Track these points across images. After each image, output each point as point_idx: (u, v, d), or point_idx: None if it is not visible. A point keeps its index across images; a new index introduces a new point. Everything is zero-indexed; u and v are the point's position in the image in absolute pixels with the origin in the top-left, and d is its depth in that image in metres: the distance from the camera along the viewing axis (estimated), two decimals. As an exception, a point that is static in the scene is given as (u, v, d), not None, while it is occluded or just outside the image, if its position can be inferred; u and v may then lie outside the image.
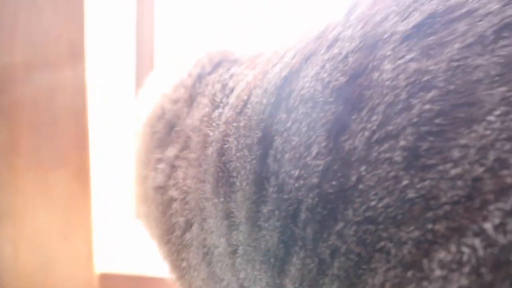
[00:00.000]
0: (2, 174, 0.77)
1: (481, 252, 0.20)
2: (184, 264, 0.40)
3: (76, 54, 0.71)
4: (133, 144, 0.50)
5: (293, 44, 0.33)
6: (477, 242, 0.20)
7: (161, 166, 0.41)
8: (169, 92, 0.44)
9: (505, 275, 0.19)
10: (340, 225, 0.25)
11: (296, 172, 0.27)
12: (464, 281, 0.20)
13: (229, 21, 0.85)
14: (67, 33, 0.71)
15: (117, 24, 0.83)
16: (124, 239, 0.83)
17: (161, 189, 0.41)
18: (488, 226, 0.20)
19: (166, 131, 0.42)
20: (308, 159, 0.27)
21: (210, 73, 0.41)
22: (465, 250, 0.20)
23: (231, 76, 0.38)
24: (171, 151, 0.41)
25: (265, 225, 0.29)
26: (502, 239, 0.19)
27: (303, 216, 0.27)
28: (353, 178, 0.24)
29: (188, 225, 0.38)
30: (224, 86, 0.38)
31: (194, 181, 0.37)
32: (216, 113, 0.36)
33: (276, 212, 0.29)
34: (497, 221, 0.19)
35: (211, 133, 0.36)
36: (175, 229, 0.40)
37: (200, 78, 0.41)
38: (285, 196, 0.28)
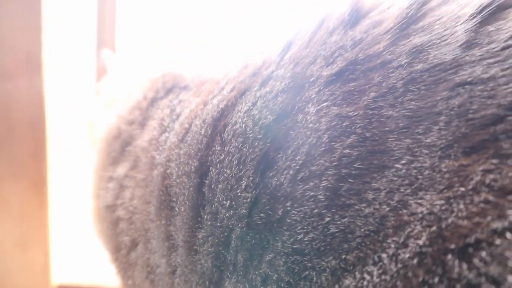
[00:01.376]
0: None
1: (376, 279, 0.23)
2: (130, 282, 0.41)
3: (33, 65, 0.71)
4: (91, 161, 0.51)
5: (233, 76, 0.35)
6: (374, 270, 0.23)
7: (111, 185, 0.43)
8: (125, 113, 0.45)
9: None
10: (270, 255, 0.27)
11: (228, 202, 0.30)
12: None
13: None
14: (24, 43, 0.70)
15: (76, 33, 0.83)
16: (82, 250, 0.83)
17: (110, 207, 0.43)
18: (384, 256, 0.23)
19: (120, 150, 0.44)
20: (238, 191, 0.29)
21: (162, 98, 0.43)
22: (366, 276, 0.23)
23: (179, 102, 0.40)
24: (121, 170, 0.42)
25: (200, 249, 0.32)
26: (393, 268, 0.22)
27: (233, 243, 0.29)
28: (280, 212, 0.27)
29: (134, 244, 0.40)
30: (172, 111, 0.40)
31: (140, 202, 0.39)
32: (163, 137, 0.38)
33: (210, 238, 0.31)
34: (391, 251, 0.23)
35: (157, 156, 0.38)
36: (121, 247, 0.41)
37: (153, 102, 0.43)
38: (218, 224, 0.30)
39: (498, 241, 0.20)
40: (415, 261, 0.22)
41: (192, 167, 0.33)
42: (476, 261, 0.20)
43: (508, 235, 0.19)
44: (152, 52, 0.88)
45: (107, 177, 0.44)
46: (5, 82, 0.71)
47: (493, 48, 0.24)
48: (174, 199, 0.34)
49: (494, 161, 0.21)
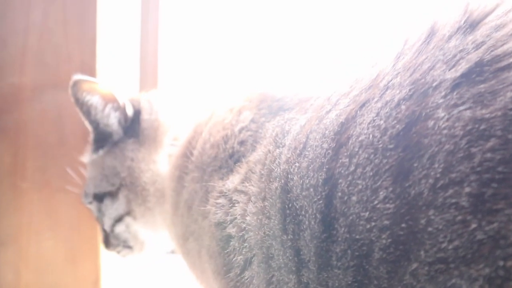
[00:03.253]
0: (5, 196, 0.75)
1: None
2: None
3: (87, 74, 0.70)
4: (173, 182, 0.51)
5: (345, 91, 0.35)
6: None
7: (221, 201, 0.43)
8: (231, 134, 0.47)
9: None
10: (414, 266, 0.26)
11: (366, 214, 0.29)
12: None
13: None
14: (79, 53, 0.71)
15: (124, 45, 0.83)
16: (132, 264, 0.81)
17: (220, 225, 0.42)
18: None
19: (232, 165, 0.45)
20: (375, 202, 0.29)
21: (269, 121, 0.45)
22: None
23: (286, 121, 0.41)
24: (231, 184, 0.42)
25: (338, 264, 0.30)
26: None
27: (376, 255, 0.28)
28: (423, 222, 0.26)
29: (247, 263, 0.40)
30: (282, 129, 0.41)
31: (255, 218, 0.38)
32: (277, 151, 0.39)
33: (349, 251, 0.30)
34: None
35: (275, 168, 0.38)
36: (233, 267, 0.41)
37: (262, 124, 0.45)
38: (357, 237, 0.29)
39: None
40: None
41: (319, 180, 0.33)
42: None
43: None
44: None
45: (217, 191, 0.44)
46: (58, 92, 0.71)
47: None
48: (302, 213, 0.34)
49: None
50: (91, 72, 0.71)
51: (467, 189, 0.25)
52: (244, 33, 0.85)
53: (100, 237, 0.75)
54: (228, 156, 0.45)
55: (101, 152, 0.59)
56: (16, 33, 0.72)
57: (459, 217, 0.25)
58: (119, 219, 0.60)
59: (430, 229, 0.26)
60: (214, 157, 0.46)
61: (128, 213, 0.59)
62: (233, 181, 0.42)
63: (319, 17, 0.79)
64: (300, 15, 0.81)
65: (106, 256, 0.76)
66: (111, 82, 0.74)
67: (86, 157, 0.63)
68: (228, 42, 0.86)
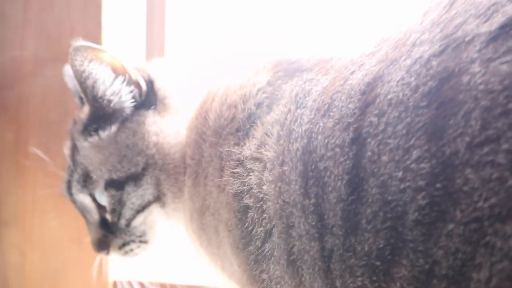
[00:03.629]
0: (8, 175, 0.74)
1: None
2: (264, 276, 0.39)
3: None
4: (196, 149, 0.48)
5: (370, 51, 0.35)
6: None
7: (237, 170, 0.41)
8: (249, 93, 0.44)
9: None
10: (450, 227, 0.26)
11: (399, 174, 0.28)
12: None
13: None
14: (83, 25, 0.69)
15: (129, 17, 0.81)
16: None
17: (237, 196, 0.40)
18: None
19: (248, 128, 0.43)
20: (408, 162, 0.28)
21: (286, 82, 0.43)
22: None
23: (305, 81, 0.40)
24: (249, 148, 0.41)
25: (368, 227, 0.29)
26: None
27: (411, 217, 0.27)
28: (459, 181, 0.26)
29: (267, 235, 0.38)
30: (303, 89, 0.39)
31: (273, 186, 0.37)
32: (298, 112, 0.37)
33: (380, 213, 0.29)
34: None
35: (296, 129, 0.36)
36: (252, 239, 0.39)
37: (279, 86, 0.43)
38: (389, 198, 0.28)
39: None
40: None
41: (346, 140, 0.32)
42: None
43: None
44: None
45: (234, 160, 0.42)
46: (61, 66, 0.69)
47: None
48: (327, 174, 0.33)
49: None
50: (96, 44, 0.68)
51: (504, 146, 0.24)
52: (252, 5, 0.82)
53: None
54: (246, 117, 0.43)
55: (104, 133, 0.52)
56: (16, 5, 0.70)
57: (496, 174, 0.24)
58: (143, 208, 0.52)
59: (465, 188, 0.25)
60: (231, 118, 0.43)
61: (157, 198, 0.52)
62: (250, 147, 0.41)
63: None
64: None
65: (112, 236, 0.75)
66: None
67: (79, 141, 0.54)
68: (237, 11, 0.83)
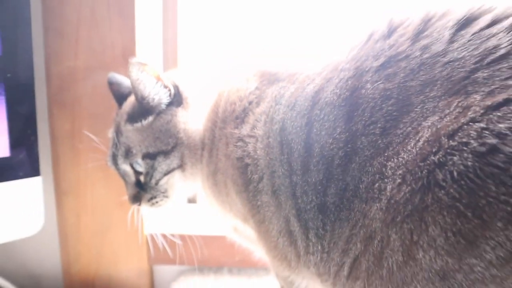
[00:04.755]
0: (67, 156, 0.94)
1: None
2: (259, 203, 0.59)
3: (128, 58, 0.88)
4: (210, 131, 0.68)
5: (318, 72, 0.55)
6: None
7: (239, 143, 0.61)
8: (243, 95, 0.64)
9: None
10: (353, 165, 0.48)
11: (330, 140, 0.49)
12: None
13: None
14: (121, 41, 0.88)
15: (152, 34, 1.01)
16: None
17: (240, 159, 0.60)
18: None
19: (244, 117, 0.62)
20: (335, 134, 0.49)
21: (269, 87, 0.62)
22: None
23: (281, 88, 0.60)
24: (245, 130, 0.61)
25: (314, 168, 0.51)
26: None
27: (336, 162, 0.49)
28: (359, 143, 0.47)
29: (260, 178, 0.58)
30: (279, 92, 0.59)
31: (263, 151, 0.57)
32: (277, 107, 0.58)
33: (320, 162, 0.50)
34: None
35: (276, 117, 0.57)
36: (251, 182, 0.59)
37: (264, 90, 0.63)
38: (325, 153, 0.50)
39: None
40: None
41: (302, 123, 0.53)
42: None
43: None
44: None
45: (235, 137, 0.61)
46: (105, 72, 0.89)
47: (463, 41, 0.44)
48: (292, 144, 0.54)
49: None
50: (131, 55, 0.89)
51: (379, 124, 0.46)
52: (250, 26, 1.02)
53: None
54: (241, 110, 0.62)
55: (145, 121, 0.69)
56: (70, 26, 0.89)
57: (375, 139, 0.46)
58: (169, 172, 0.69)
59: (361, 146, 0.46)
60: (232, 111, 0.64)
61: (180, 166, 0.69)
62: (246, 129, 0.61)
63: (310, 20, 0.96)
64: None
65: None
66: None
67: (124, 126, 0.72)
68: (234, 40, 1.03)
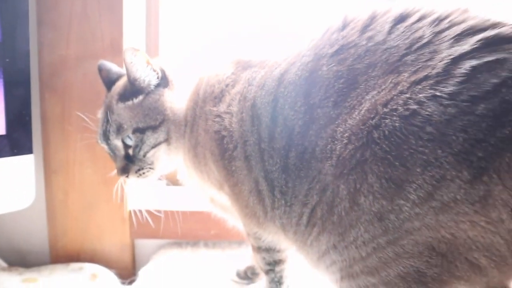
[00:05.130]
0: (57, 137, 1.02)
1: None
2: (233, 168, 0.69)
3: (116, 48, 0.98)
4: (191, 109, 0.77)
5: (283, 59, 0.65)
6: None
7: (217, 119, 0.70)
8: (221, 79, 0.74)
9: None
10: (311, 132, 0.58)
11: (292, 113, 0.59)
12: None
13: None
14: (110, 33, 0.98)
15: (137, 25, 1.11)
16: (149, 185, 1.09)
17: (217, 132, 0.70)
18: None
19: (221, 97, 0.72)
20: (296, 107, 0.59)
21: (243, 72, 0.72)
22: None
23: (253, 72, 0.69)
24: (222, 107, 0.70)
25: (278, 136, 0.61)
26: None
27: (296, 130, 0.59)
28: (314, 113, 0.57)
29: (235, 147, 0.68)
30: (251, 76, 0.69)
31: (237, 125, 0.67)
32: (250, 87, 0.67)
33: (284, 129, 0.60)
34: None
35: (248, 96, 0.66)
36: (226, 151, 0.69)
37: (239, 75, 0.72)
38: (287, 123, 0.60)
39: None
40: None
41: (269, 99, 0.63)
42: None
43: None
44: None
45: (213, 114, 0.70)
46: (95, 61, 0.98)
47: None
48: (261, 115, 0.63)
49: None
50: (119, 46, 0.99)
51: (332, 99, 0.56)
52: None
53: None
54: (219, 91, 0.72)
55: (136, 99, 0.78)
56: (63, 19, 0.97)
57: (329, 111, 0.56)
58: (156, 146, 0.77)
59: (317, 116, 0.57)
60: (211, 92, 0.74)
61: (166, 140, 0.78)
62: (223, 106, 0.71)
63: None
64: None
65: (130, 178, 1.05)
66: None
67: (116, 105, 0.79)
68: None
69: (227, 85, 0.73)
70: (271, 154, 0.62)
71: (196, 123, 0.76)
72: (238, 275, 0.93)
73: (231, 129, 0.68)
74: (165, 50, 1.19)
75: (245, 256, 0.95)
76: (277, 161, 0.61)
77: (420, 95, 0.48)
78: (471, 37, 0.49)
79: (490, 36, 0.48)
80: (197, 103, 0.76)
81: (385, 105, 0.50)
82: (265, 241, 0.74)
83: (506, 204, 0.45)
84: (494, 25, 0.49)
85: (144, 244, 1.12)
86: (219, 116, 0.71)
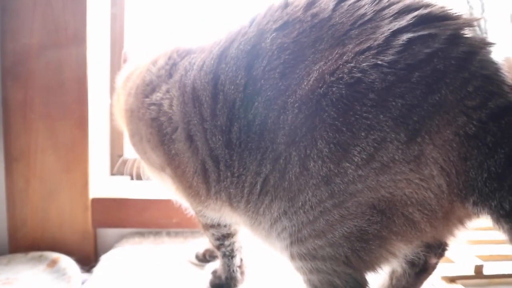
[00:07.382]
0: (18, 124, 1.02)
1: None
2: (173, 151, 0.71)
3: (79, 38, 1.00)
4: (125, 101, 0.82)
5: (223, 37, 0.66)
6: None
7: (152, 107, 0.73)
8: (154, 70, 0.77)
9: None
10: (256, 103, 0.59)
11: (232, 87, 0.61)
12: None
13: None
14: (73, 23, 1.00)
15: (102, 18, 1.13)
16: (112, 172, 1.11)
17: (155, 119, 0.73)
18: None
19: (154, 88, 0.75)
20: (237, 80, 0.60)
21: (181, 60, 0.74)
22: None
23: (192, 58, 0.71)
24: (157, 96, 0.73)
25: (219, 113, 0.63)
26: None
27: (238, 104, 0.61)
28: (258, 85, 0.59)
29: (174, 130, 0.70)
30: (190, 62, 0.71)
31: (179, 107, 0.69)
32: (188, 74, 0.69)
33: (227, 104, 0.62)
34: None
35: (187, 81, 0.68)
36: (166, 134, 0.71)
37: (175, 63, 0.75)
38: (230, 98, 0.61)
39: None
40: None
41: (209, 78, 0.64)
42: None
43: None
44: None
45: (147, 103, 0.73)
46: (58, 50, 1.00)
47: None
48: (203, 95, 0.65)
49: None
50: (82, 36, 1.01)
51: (279, 70, 0.57)
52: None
53: (89, 154, 1.04)
54: (149, 81, 0.77)
55: None
56: (26, 7, 0.98)
57: (277, 82, 0.57)
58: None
59: (263, 88, 0.58)
60: (142, 83, 0.78)
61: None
62: (158, 95, 0.73)
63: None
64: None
65: (93, 166, 1.06)
66: (95, 45, 1.04)
67: None
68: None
69: (159, 77, 0.76)
70: (213, 132, 0.63)
71: (133, 109, 0.80)
72: (197, 257, 0.95)
73: (170, 111, 0.70)
74: (131, 40, 1.22)
75: (205, 240, 0.98)
76: (219, 138, 0.63)
77: (364, 64, 0.51)
78: (407, 14, 0.53)
79: (423, 14, 0.53)
80: (130, 94, 0.80)
81: (332, 74, 0.53)
82: (209, 218, 0.77)
83: (436, 162, 0.49)
84: (426, 5, 0.55)
85: (106, 233, 1.13)
86: (153, 104, 0.74)
